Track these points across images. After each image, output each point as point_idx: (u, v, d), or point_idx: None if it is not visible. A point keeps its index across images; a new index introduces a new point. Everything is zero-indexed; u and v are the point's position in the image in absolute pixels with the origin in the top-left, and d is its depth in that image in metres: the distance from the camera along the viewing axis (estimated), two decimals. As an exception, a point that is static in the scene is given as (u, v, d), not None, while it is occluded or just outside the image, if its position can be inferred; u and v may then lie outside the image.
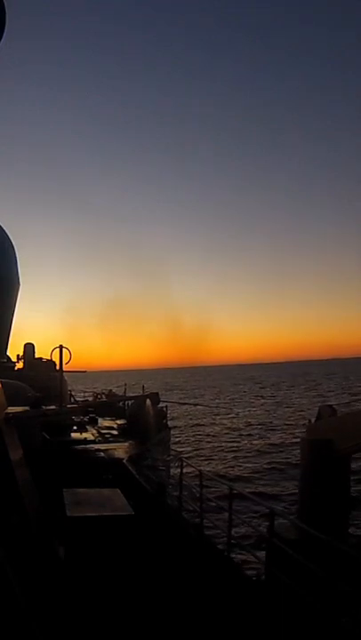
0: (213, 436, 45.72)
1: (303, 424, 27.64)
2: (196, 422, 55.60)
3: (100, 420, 21.60)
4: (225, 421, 55.79)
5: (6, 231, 8.40)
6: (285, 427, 49.50)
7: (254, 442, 41.63)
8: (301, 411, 59.03)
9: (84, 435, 17.35)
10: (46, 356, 20.97)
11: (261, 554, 8.70)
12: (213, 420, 57.54)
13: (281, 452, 36.57)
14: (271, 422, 53.90)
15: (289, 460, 32.33)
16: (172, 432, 27.79)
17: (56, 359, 15.84)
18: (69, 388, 25.87)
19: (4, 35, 8.48)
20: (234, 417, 59.83)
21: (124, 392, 32.73)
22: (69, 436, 16.86)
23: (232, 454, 36.37)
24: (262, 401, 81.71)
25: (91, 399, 32.08)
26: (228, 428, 50.90)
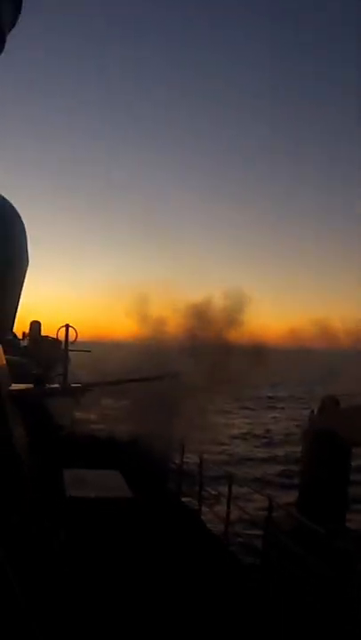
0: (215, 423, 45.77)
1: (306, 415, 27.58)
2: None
3: (104, 401, 21.62)
4: (226, 406, 55.85)
5: (17, 209, 8.32)
6: (287, 417, 49.53)
7: (256, 428, 41.73)
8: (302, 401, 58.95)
9: (88, 415, 17.36)
10: (53, 334, 20.95)
11: (259, 542, 8.72)
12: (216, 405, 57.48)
13: (283, 441, 36.64)
14: (272, 414, 53.96)
15: (291, 450, 32.39)
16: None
17: (62, 338, 15.85)
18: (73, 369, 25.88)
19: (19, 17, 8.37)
20: (235, 404, 59.88)
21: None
22: (72, 415, 16.89)
23: (234, 440, 36.46)
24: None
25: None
26: (230, 413, 50.98)
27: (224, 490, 9.84)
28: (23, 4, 8.33)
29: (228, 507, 9.16)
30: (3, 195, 8.23)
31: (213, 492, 10.84)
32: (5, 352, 9.48)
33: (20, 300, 9.07)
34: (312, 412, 20.40)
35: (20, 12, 8.41)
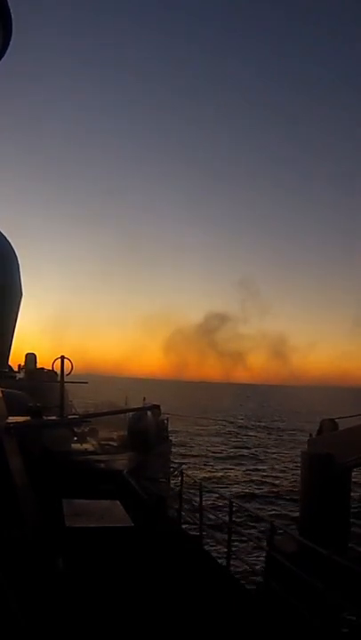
0: (215, 447, 45.54)
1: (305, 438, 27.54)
2: (197, 435, 55.39)
3: (100, 432, 21.59)
4: (226, 434, 55.60)
5: (9, 240, 8.43)
6: (286, 441, 49.32)
7: (255, 454, 41.47)
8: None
9: (85, 445, 17.35)
10: (48, 367, 20.97)
11: (261, 566, 8.65)
12: (215, 432, 57.34)
13: (282, 465, 36.41)
14: (272, 436, 53.75)
15: (290, 474, 32.18)
16: (172, 445, 27.68)
17: (57, 370, 15.88)
18: (70, 399, 25.85)
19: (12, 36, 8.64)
20: (234, 430, 59.63)
21: (125, 403, 32.66)
22: (70, 446, 16.86)
23: (232, 467, 36.19)
24: (262, 414, 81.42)
25: (92, 410, 32.03)
26: (230, 440, 50.71)
27: (224, 515, 9.80)
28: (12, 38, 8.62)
29: (229, 532, 9.10)
30: None
31: (213, 517, 10.78)
32: (1, 384, 9.49)
33: (15, 332, 9.10)
34: (310, 434, 20.40)
35: (9, 42, 8.68)
